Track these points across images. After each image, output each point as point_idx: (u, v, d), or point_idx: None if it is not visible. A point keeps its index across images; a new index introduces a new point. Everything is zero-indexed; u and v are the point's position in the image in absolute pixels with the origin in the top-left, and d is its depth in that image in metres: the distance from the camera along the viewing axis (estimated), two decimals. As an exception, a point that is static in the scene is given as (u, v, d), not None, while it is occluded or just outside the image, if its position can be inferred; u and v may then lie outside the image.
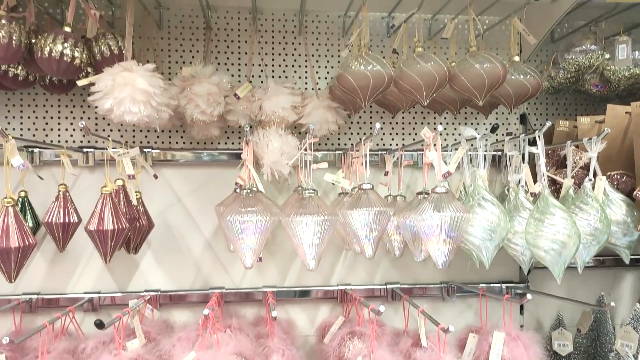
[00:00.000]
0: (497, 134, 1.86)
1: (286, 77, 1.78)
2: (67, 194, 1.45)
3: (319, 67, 1.80)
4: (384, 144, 1.84)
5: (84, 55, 1.36)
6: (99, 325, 1.16)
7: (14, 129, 1.66)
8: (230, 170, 1.73)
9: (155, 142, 1.73)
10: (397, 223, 1.50)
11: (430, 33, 1.83)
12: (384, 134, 1.84)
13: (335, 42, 1.81)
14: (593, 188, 1.45)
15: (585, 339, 1.81)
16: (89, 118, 1.69)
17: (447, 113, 1.86)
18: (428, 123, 1.87)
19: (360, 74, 1.40)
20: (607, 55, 1.74)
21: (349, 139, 1.82)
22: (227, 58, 1.76)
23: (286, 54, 1.79)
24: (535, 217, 1.37)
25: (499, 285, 1.86)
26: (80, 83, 1.40)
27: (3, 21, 1.26)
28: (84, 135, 1.68)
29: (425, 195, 1.42)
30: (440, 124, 1.87)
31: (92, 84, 1.37)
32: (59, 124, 1.68)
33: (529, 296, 1.37)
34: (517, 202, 1.49)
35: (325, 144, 1.80)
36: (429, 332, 1.41)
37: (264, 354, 1.36)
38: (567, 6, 1.58)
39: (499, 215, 1.42)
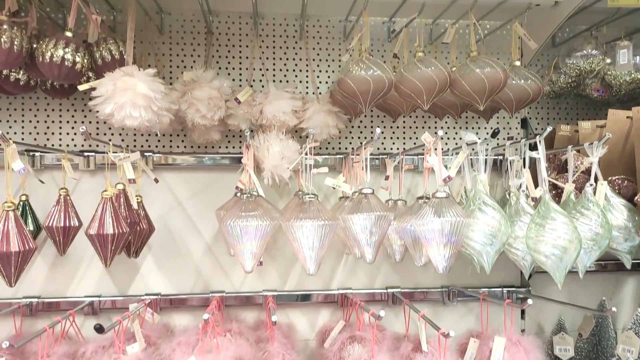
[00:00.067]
0: (498, 139, 1.86)
1: (287, 81, 1.79)
2: (68, 198, 1.46)
3: (320, 71, 1.80)
4: (384, 148, 1.84)
5: (85, 60, 1.36)
6: (99, 329, 1.16)
7: (15, 133, 1.66)
8: (231, 174, 1.73)
9: (156, 146, 1.73)
10: (398, 227, 1.50)
11: (431, 38, 1.83)
12: (384, 138, 1.84)
13: (336, 46, 1.81)
14: (594, 193, 1.45)
15: (586, 343, 1.80)
16: (90, 122, 1.70)
17: (448, 117, 1.86)
18: (429, 127, 1.87)
19: (361, 78, 1.40)
20: (608, 60, 1.74)
21: (350, 143, 1.82)
22: (228, 62, 1.76)
23: (287, 59, 1.79)
24: (536, 222, 1.37)
25: (500, 289, 1.86)
26: (81, 88, 1.40)
27: (5, 26, 1.27)
28: (85, 140, 1.68)
29: (426, 200, 1.42)
30: (442, 128, 1.87)
31: (93, 89, 1.37)
32: (60, 128, 1.68)
33: (530, 301, 1.37)
34: (518, 207, 1.48)
35: (326, 148, 1.81)
36: (430, 336, 1.41)
37: (264, 359, 1.36)
38: (568, 11, 1.58)
39: (499, 220, 1.41)
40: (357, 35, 1.50)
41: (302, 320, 1.79)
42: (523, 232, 1.43)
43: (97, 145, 1.67)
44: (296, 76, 1.79)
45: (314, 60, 1.80)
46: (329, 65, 1.81)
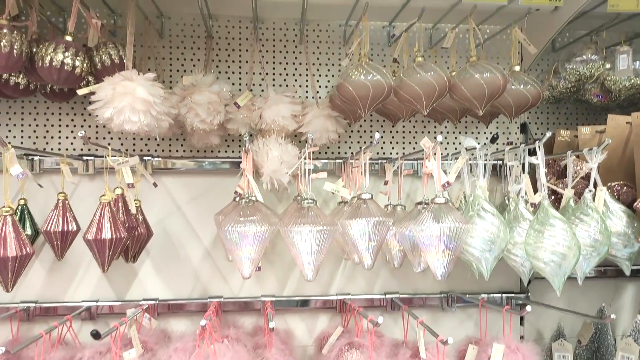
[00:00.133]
0: (497, 144, 1.86)
1: (287, 85, 1.79)
2: (66, 202, 1.45)
3: (320, 76, 1.80)
4: (384, 153, 1.84)
5: (85, 64, 1.36)
6: (95, 335, 1.16)
7: (14, 137, 1.66)
8: (230, 178, 1.73)
9: (156, 150, 1.73)
10: (397, 233, 1.49)
11: (431, 42, 1.83)
12: (384, 142, 1.84)
13: (336, 51, 1.81)
14: (593, 199, 1.44)
15: (585, 350, 1.79)
16: (89, 126, 1.70)
17: (447, 122, 1.86)
18: (428, 132, 1.87)
19: (360, 83, 1.40)
20: (608, 65, 1.74)
21: (349, 147, 1.82)
22: (228, 67, 1.76)
23: (287, 63, 1.79)
24: (535, 228, 1.37)
25: (499, 295, 1.85)
26: (81, 92, 1.40)
27: (5, 30, 1.27)
28: (84, 144, 1.68)
29: (425, 206, 1.42)
30: (441, 132, 1.87)
31: (93, 93, 1.37)
32: (59, 132, 1.68)
33: (528, 308, 1.36)
34: (517, 213, 1.48)
35: (326, 153, 1.80)
36: (429, 343, 1.40)
37: (262, 365, 1.35)
38: (568, 16, 1.58)
39: (498, 226, 1.41)
40: (356, 39, 1.50)
41: (301, 325, 1.78)
42: (522, 238, 1.42)
43: (97, 150, 1.66)
44: (296, 80, 1.79)
45: (313, 64, 1.80)
46: (328, 70, 1.81)
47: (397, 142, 1.85)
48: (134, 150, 1.72)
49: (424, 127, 1.87)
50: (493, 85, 1.42)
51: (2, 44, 1.26)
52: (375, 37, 1.82)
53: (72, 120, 1.69)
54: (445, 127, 1.87)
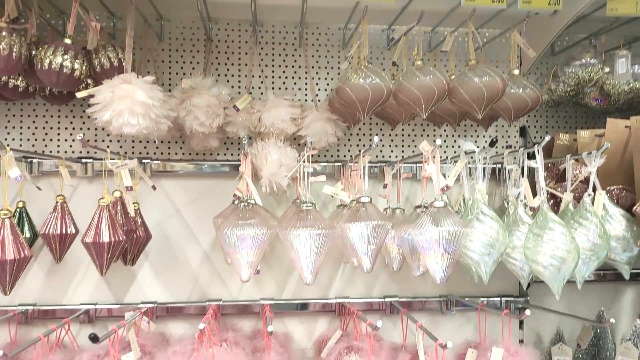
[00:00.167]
0: (496, 147, 1.86)
1: (286, 89, 1.79)
2: (65, 205, 1.45)
3: (319, 79, 1.81)
4: (383, 156, 1.84)
5: (84, 67, 1.36)
6: (93, 339, 1.16)
7: (13, 139, 1.66)
8: (229, 181, 1.72)
9: (155, 153, 1.73)
10: (396, 236, 1.49)
11: (430, 46, 1.83)
12: (383, 145, 1.84)
13: (335, 54, 1.81)
14: (592, 203, 1.44)
15: (585, 354, 1.79)
16: (88, 129, 1.69)
17: (446, 125, 1.86)
18: (427, 135, 1.87)
19: (359, 87, 1.40)
20: (607, 69, 1.74)
21: (349, 150, 1.82)
22: (227, 70, 1.76)
23: (286, 66, 1.79)
24: (534, 232, 1.37)
25: (498, 299, 1.85)
26: (80, 95, 1.40)
27: (4, 33, 1.27)
28: (83, 146, 1.68)
29: (424, 209, 1.42)
30: (440, 136, 1.87)
31: (92, 96, 1.37)
32: (58, 134, 1.68)
33: (527, 312, 1.36)
34: (516, 217, 1.48)
35: (325, 156, 1.80)
36: (428, 346, 1.40)
37: (261, 369, 1.35)
38: (567, 19, 1.58)
39: (497, 229, 1.41)
40: (356, 43, 1.50)
41: (300, 329, 1.78)
42: (521, 241, 1.42)
43: (95, 152, 1.66)
44: (295, 84, 1.79)
45: (313, 67, 1.80)
46: (328, 73, 1.81)
47: (396, 145, 1.85)
48: (132, 152, 1.71)
49: (423, 130, 1.87)
50: (492, 89, 1.42)
51: (1, 46, 1.25)
52: (374, 41, 1.82)
53: (71, 122, 1.69)
54: (445, 130, 1.87)
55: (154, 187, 1.61)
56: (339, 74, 1.80)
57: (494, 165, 1.78)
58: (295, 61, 1.79)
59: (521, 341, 1.87)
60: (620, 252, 1.48)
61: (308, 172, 1.37)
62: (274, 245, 1.73)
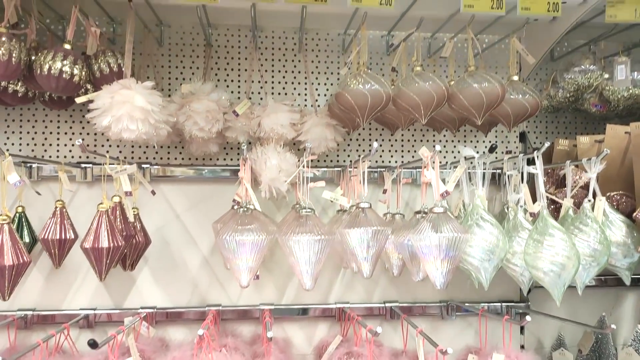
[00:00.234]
0: (496, 152, 1.86)
1: (285, 94, 1.79)
2: (64, 210, 1.45)
3: (319, 84, 1.81)
4: (383, 161, 1.84)
5: (83, 73, 1.36)
6: (92, 345, 1.15)
7: (13, 144, 1.66)
8: (229, 186, 1.72)
9: (154, 158, 1.73)
10: (396, 242, 1.49)
11: (430, 51, 1.84)
12: (383, 151, 1.84)
13: (335, 59, 1.82)
14: (592, 209, 1.44)
15: (586, 360, 1.79)
16: (88, 134, 1.70)
17: (446, 130, 1.86)
18: (427, 140, 1.87)
19: (359, 92, 1.40)
20: (607, 75, 1.74)
21: (348, 156, 1.82)
22: (227, 75, 1.77)
23: (286, 72, 1.79)
24: (534, 238, 1.36)
25: (499, 304, 1.84)
26: (79, 100, 1.40)
27: (3, 39, 1.27)
28: (82, 152, 1.68)
29: (423, 215, 1.42)
30: (440, 141, 1.87)
31: (91, 101, 1.37)
32: (58, 139, 1.68)
33: (528, 318, 1.35)
34: (516, 222, 1.48)
35: (325, 161, 1.80)
36: (428, 352, 1.39)
37: (260, 375, 1.34)
38: (566, 26, 1.59)
39: (497, 235, 1.41)
40: (355, 48, 1.50)
41: (299, 334, 1.77)
42: (521, 247, 1.42)
43: (95, 157, 1.66)
44: (294, 89, 1.80)
45: (312, 73, 1.80)
46: (327, 78, 1.81)
47: (395, 151, 1.85)
48: (132, 157, 1.71)
49: (423, 135, 1.87)
50: (491, 95, 1.42)
51: (0, 52, 1.26)
52: (373, 47, 1.82)
53: (71, 127, 1.69)
54: (445, 135, 1.87)
55: (153, 192, 1.61)
56: (338, 79, 1.80)
57: (494, 171, 1.77)
58: (294, 67, 1.80)
59: (522, 346, 1.86)
60: (620, 258, 1.47)
61: (307, 177, 1.37)
62: (274, 250, 1.72)
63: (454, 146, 1.87)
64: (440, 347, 1.27)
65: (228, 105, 1.61)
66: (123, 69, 1.43)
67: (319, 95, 1.80)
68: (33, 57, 1.35)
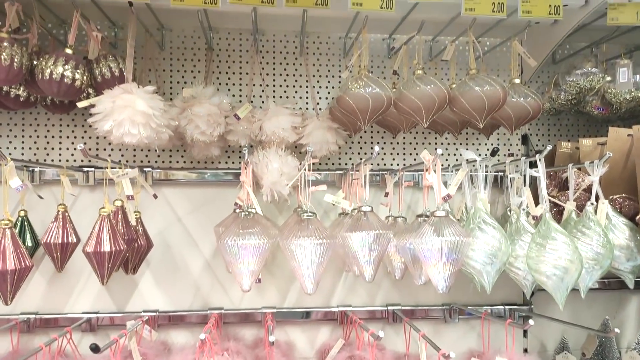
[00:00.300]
0: (498, 155, 1.86)
1: (287, 97, 1.79)
2: (66, 214, 1.45)
3: (320, 87, 1.81)
4: (384, 164, 1.84)
5: (85, 77, 1.36)
6: (94, 349, 1.15)
7: (15, 149, 1.67)
8: (230, 189, 1.73)
9: (156, 162, 1.73)
10: (398, 245, 1.49)
11: (431, 55, 1.83)
12: (384, 154, 1.84)
13: (336, 62, 1.82)
14: (595, 212, 1.43)
15: (590, 363, 1.78)
16: (89, 138, 1.70)
17: (448, 133, 1.86)
18: (429, 143, 1.86)
19: (360, 96, 1.40)
20: (609, 78, 1.74)
21: (350, 158, 1.82)
22: (228, 79, 1.77)
23: (287, 75, 1.79)
24: (537, 242, 1.36)
25: (502, 307, 1.83)
26: (81, 105, 1.41)
27: (5, 44, 1.27)
28: (84, 156, 1.68)
29: (425, 218, 1.41)
30: (442, 144, 1.86)
31: (93, 106, 1.38)
32: (60, 143, 1.69)
33: (531, 322, 1.34)
34: (519, 225, 1.47)
35: (326, 164, 1.80)
36: (431, 356, 1.39)
37: (262, 379, 1.34)
38: (568, 29, 1.59)
39: (500, 239, 1.40)
40: (356, 52, 1.50)
41: (302, 338, 1.77)
42: (524, 251, 1.41)
43: (97, 161, 1.67)
44: (296, 92, 1.80)
45: (313, 76, 1.80)
46: (328, 82, 1.81)
47: (397, 154, 1.85)
48: (134, 161, 1.72)
49: (425, 138, 1.86)
50: (493, 98, 1.42)
51: (2, 57, 1.26)
52: (375, 50, 1.82)
53: (73, 132, 1.69)
54: (446, 138, 1.87)
55: (155, 196, 1.61)
56: (339, 82, 1.80)
57: (496, 174, 1.77)
58: (296, 70, 1.80)
59: (525, 350, 1.86)
60: (624, 261, 1.47)
61: (309, 180, 1.37)
62: (276, 253, 1.72)
63: (456, 149, 1.87)
64: (442, 351, 1.27)
65: (229, 109, 1.61)
66: (124, 73, 1.43)
67: (320, 98, 1.80)
68: (35, 62, 1.36)
